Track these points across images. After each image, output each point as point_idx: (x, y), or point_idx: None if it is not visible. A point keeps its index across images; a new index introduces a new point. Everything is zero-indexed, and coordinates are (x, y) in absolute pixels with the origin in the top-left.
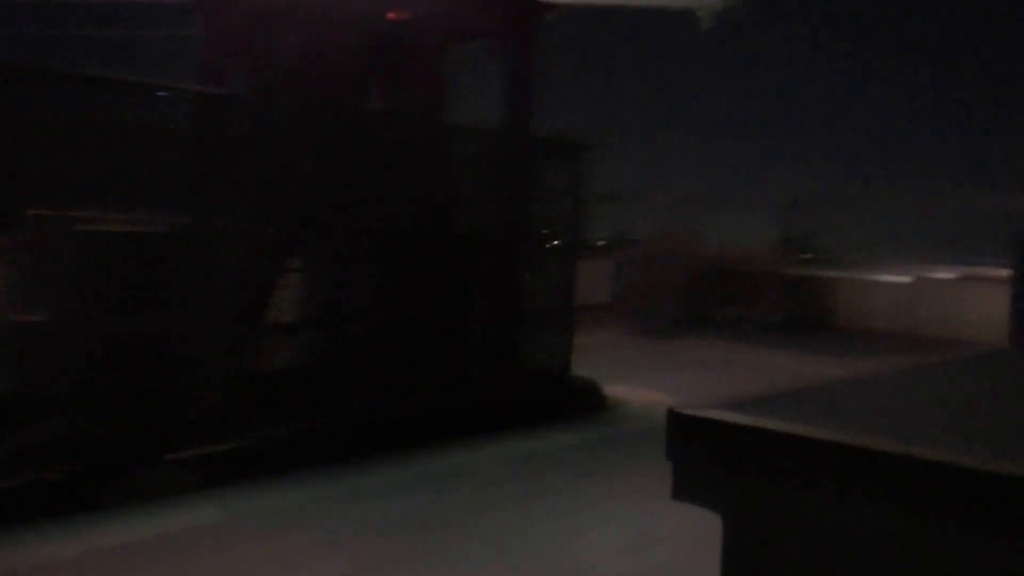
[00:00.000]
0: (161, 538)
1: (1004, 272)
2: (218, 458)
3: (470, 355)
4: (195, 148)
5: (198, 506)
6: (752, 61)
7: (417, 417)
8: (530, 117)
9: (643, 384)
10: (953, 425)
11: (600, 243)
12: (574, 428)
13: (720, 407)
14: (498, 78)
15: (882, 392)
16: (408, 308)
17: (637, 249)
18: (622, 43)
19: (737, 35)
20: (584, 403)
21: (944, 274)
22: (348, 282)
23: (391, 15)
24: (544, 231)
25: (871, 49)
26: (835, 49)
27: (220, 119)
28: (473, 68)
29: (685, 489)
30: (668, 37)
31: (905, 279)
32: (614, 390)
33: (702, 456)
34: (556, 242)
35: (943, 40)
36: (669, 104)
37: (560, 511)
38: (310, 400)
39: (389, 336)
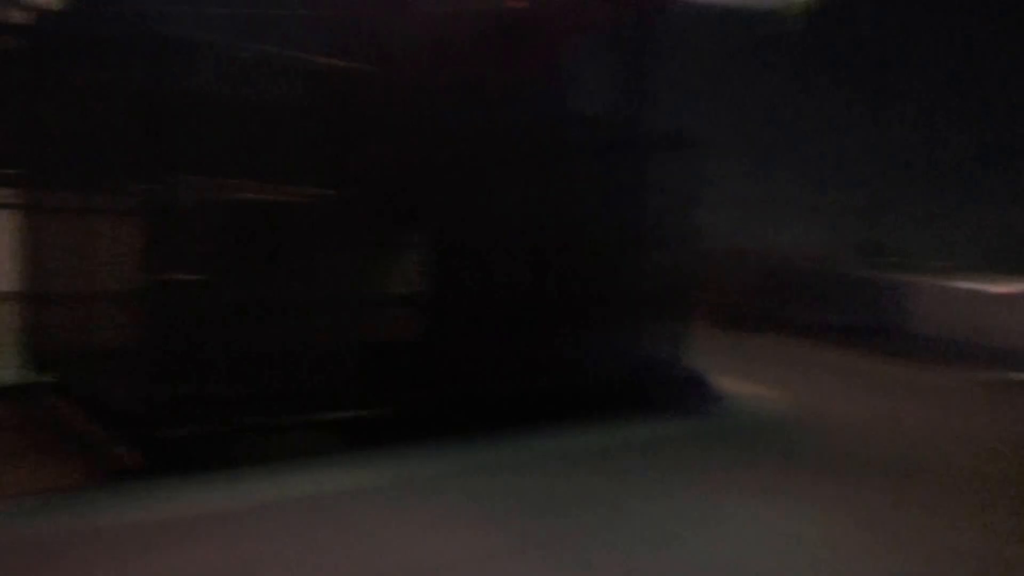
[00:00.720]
0: (332, 497)
1: None
2: (351, 425)
3: (590, 338)
4: (323, 122)
5: (350, 469)
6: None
7: (540, 395)
8: (649, 109)
9: (740, 377)
10: None
11: None
12: (686, 417)
13: None
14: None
15: None
16: (533, 291)
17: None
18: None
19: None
20: (691, 393)
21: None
22: (483, 262)
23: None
24: (663, 220)
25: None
26: None
27: (353, 95)
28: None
29: None
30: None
31: (1001, 289)
32: (715, 381)
33: None
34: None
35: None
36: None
37: (695, 500)
38: (432, 373)
39: (516, 315)
